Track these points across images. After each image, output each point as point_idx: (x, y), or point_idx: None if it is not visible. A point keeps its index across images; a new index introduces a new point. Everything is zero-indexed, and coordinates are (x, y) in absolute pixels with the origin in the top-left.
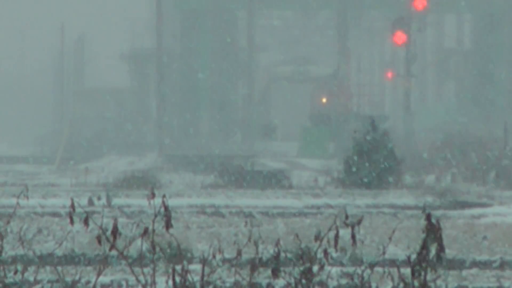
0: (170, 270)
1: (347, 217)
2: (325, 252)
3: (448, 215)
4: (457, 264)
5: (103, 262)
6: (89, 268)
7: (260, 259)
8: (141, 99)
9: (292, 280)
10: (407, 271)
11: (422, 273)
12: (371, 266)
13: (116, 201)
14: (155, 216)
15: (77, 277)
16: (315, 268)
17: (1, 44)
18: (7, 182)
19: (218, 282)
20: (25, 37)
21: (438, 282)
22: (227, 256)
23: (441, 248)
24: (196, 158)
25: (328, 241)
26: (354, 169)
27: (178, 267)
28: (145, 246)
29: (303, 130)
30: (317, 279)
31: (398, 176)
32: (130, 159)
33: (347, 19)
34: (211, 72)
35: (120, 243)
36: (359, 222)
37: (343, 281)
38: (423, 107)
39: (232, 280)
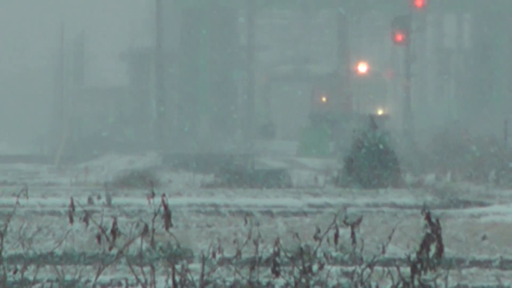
0: (170, 269)
1: (346, 216)
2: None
3: (447, 214)
4: (457, 263)
5: (103, 261)
6: (88, 267)
7: (260, 258)
8: (141, 99)
9: (292, 279)
10: (406, 270)
11: (422, 272)
12: (371, 265)
13: (115, 200)
14: (155, 215)
15: (76, 276)
16: (315, 267)
17: (1, 44)
18: (7, 181)
19: (218, 281)
20: (25, 37)
21: (438, 281)
22: (227, 255)
23: (440, 247)
24: (196, 157)
25: (328, 240)
26: (354, 169)
27: (178, 266)
28: (145, 245)
29: (303, 129)
30: (316, 278)
31: (398, 175)
32: (129, 158)
33: (347, 19)
34: (211, 71)
35: (120, 242)
36: (358, 221)
37: (343, 280)
38: (423, 106)
39: (232, 279)
